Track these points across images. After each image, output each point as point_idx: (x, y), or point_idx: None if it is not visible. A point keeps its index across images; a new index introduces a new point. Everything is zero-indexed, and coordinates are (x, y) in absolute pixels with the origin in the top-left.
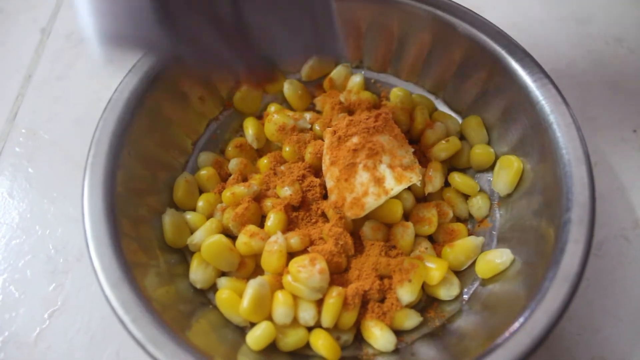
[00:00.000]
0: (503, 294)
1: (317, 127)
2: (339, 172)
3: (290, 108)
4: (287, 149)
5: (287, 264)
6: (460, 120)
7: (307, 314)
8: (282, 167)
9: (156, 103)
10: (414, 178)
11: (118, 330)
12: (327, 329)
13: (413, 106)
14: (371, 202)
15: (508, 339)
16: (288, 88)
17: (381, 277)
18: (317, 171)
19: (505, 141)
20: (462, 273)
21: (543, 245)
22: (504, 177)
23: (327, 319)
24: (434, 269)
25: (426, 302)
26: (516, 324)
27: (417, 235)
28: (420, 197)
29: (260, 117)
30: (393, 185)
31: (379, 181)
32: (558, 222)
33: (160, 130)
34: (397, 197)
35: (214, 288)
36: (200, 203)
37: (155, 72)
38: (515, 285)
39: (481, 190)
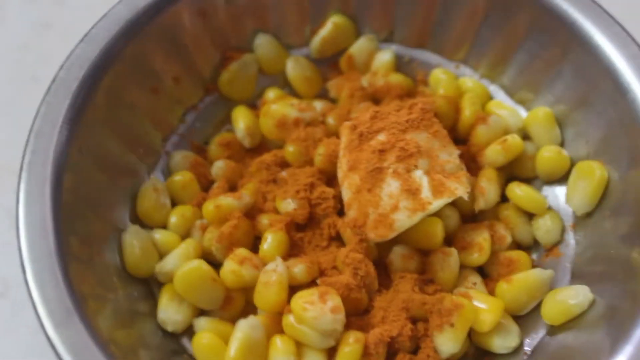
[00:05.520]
0: (579, 346)
1: (330, 121)
2: (359, 180)
3: (295, 94)
4: (291, 148)
5: (288, 301)
6: (523, 114)
7: None
8: (284, 173)
9: (117, 84)
10: (460, 190)
11: None
12: None
13: (460, 94)
14: (403, 220)
15: None
16: (293, 68)
17: (414, 321)
18: (330, 179)
19: (584, 142)
20: (524, 318)
21: (634, 281)
22: (582, 190)
23: None
24: (486, 311)
25: (475, 355)
26: None
27: (462, 267)
28: (469, 216)
29: (254, 105)
30: (432, 198)
31: (414, 193)
32: None
33: (122, 121)
34: (437, 214)
35: (189, 332)
36: (173, 219)
37: (116, 43)
38: (596, 334)
39: (550, 208)
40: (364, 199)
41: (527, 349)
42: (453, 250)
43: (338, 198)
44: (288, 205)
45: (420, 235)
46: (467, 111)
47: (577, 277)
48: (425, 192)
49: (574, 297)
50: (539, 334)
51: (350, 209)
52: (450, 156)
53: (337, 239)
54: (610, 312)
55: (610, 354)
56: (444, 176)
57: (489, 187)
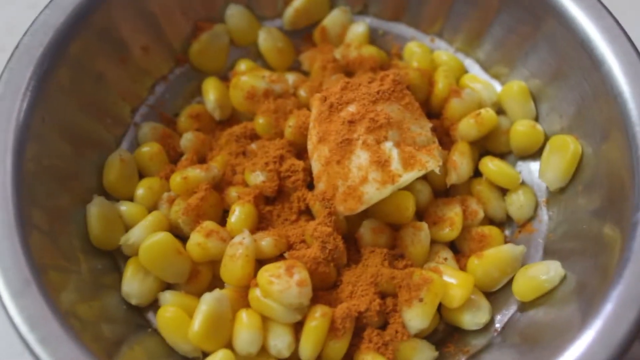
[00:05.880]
0: (550, 322)
1: (302, 93)
2: (329, 151)
3: (268, 66)
4: (261, 120)
5: (255, 274)
6: (498, 88)
7: (280, 342)
8: (254, 145)
9: (83, 53)
10: (431, 163)
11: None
12: None
13: (434, 67)
14: (372, 192)
15: None
16: (265, 39)
17: (383, 295)
18: (300, 151)
19: (558, 116)
20: (495, 294)
21: (605, 256)
22: (555, 164)
23: (307, 349)
24: (456, 286)
25: (444, 331)
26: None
27: (433, 242)
28: (441, 190)
29: (225, 77)
30: (402, 171)
31: (383, 165)
32: (626, 225)
33: (89, 90)
34: (408, 188)
35: (154, 305)
36: (140, 190)
37: (83, 10)
38: (567, 310)
39: (524, 183)
40: (333, 171)
41: (497, 325)
42: (424, 225)
43: (308, 171)
44: (256, 177)
45: (391, 209)
46: (441, 84)
47: (549, 253)
48: (395, 164)
49: (546, 272)
50: (510, 310)
51: (319, 181)
52: (422, 129)
53: (307, 213)
54: (581, 287)
55: (580, 329)
56: (415, 149)
57: (461, 161)
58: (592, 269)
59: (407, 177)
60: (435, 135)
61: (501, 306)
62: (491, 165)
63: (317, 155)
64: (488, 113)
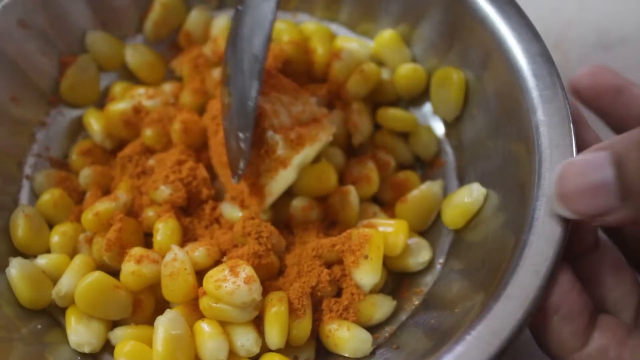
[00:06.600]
0: (487, 240)
1: (186, 97)
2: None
3: (142, 83)
4: (148, 132)
5: (199, 284)
6: (370, 43)
7: (246, 340)
8: (151, 161)
9: None
10: (322, 135)
11: None
12: (278, 351)
13: (305, 38)
14: (270, 184)
15: (509, 284)
16: (132, 56)
17: (329, 265)
18: (198, 151)
19: (434, 53)
20: (429, 231)
21: (517, 166)
22: (445, 97)
23: (274, 338)
24: (393, 234)
25: (394, 281)
26: (514, 266)
27: (359, 200)
28: (350, 152)
29: (104, 104)
30: (291, 153)
31: (270, 154)
32: (526, 131)
33: None
34: (325, 156)
35: (108, 347)
36: (55, 239)
37: None
38: (499, 224)
39: (421, 123)
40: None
41: (439, 259)
42: (351, 188)
43: (210, 169)
44: (162, 192)
45: (315, 183)
46: (320, 50)
47: (465, 179)
48: (280, 150)
49: (469, 195)
50: (447, 241)
51: (226, 190)
52: (304, 105)
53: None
54: (505, 201)
55: (516, 235)
56: (301, 126)
57: (360, 119)
58: (510, 182)
59: (302, 155)
60: (323, 107)
61: (438, 241)
62: (387, 115)
63: (216, 160)
64: (370, 67)
